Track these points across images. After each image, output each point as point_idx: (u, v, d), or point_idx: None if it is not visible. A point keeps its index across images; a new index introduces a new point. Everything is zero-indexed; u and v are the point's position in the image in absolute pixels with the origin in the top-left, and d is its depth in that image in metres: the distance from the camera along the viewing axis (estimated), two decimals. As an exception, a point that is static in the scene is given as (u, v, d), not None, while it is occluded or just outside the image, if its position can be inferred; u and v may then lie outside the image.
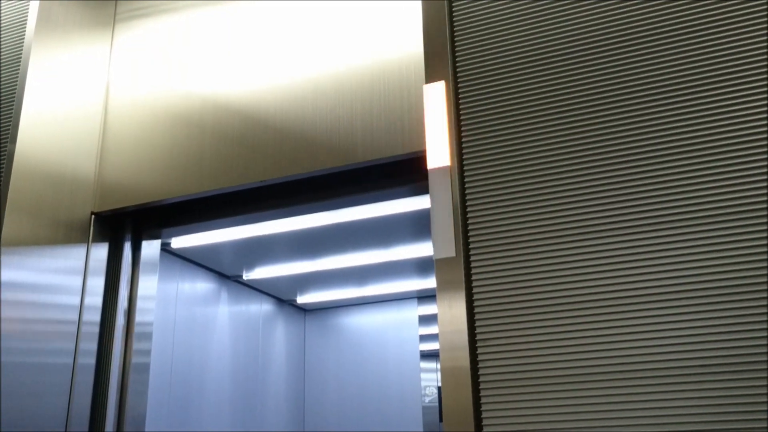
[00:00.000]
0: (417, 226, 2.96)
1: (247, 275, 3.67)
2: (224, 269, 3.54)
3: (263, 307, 4.02)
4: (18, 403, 1.88)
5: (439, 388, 4.63)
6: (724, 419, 1.25)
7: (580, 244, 1.43)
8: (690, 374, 1.29)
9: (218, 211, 2.24)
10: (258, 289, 3.96)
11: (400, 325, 4.30)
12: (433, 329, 4.50)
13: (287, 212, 2.17)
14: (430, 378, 4.51)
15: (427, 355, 4.35)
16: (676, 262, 1.35)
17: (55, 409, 2.00)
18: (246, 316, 3.80)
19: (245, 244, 3.11)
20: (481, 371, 1.42)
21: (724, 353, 1.28)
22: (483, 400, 1.40)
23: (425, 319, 4.32)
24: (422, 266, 3.64)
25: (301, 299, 4.27)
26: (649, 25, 1.51)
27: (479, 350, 1.43)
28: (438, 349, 1.49)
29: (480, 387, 1.41)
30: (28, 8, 2.24)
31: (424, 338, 4.31)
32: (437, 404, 4.61)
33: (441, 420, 4.75)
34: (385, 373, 4.23)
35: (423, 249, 3.31)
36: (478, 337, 1.44)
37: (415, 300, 4.30)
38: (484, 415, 1.39)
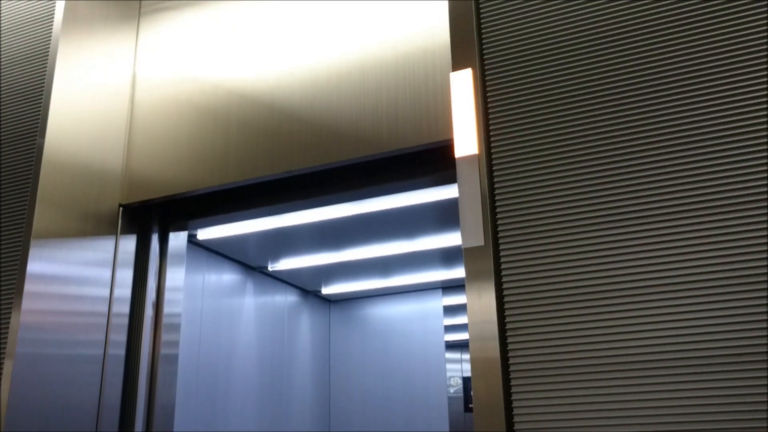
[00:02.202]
0: (441, 216, 2.95)
1: (273, 266, 3.69)
2: (250, 260, 3.56)
3: (288, 298, 4.04)
4: (51, 393, 1.90)
5: (464, 379, 4.63)
6: (755, 408, 1.22)
7: (610, 231, 1.41)
8: (727, 363, 1.26)
9: (244, 202, 2.25)
10: (283, 280, 3.98)
11: (424, 315, 4.29)
12: (457, 320, 4.49)
13: (313, 203, 2.17)
14: (455, 368, 4.50)
15: (451, 346, 4.34)
16: (710, 249, 1.33)
17: (87, 399, 2.02)
18: (271, 307, 3.82)
19: (270, 235, 3.12)
20: (511, 361, 1.40)
21: (756, 342, 1.25)
22: (513, 390, 1.38)
23: (450, 310, 4.31)
24: (447, 256, 3.63)
25: (326, 290, 4.28)
26: (670, 14, 1.48)
27: (509, 340, 1.42)
28: (463, 340, 1.48)
29: (510, 377, 1.39)
30: (54, 4, 2.26)
31: (448, 329, 4.30)
32: (462, 395, 4.61)
33: (466, 410, 4.75)
34: (410, 363, 4.23)
35: (447, 239, 3.30)
36: (508, 326, 1.42)
37: (440, 290, 4.29)
38: (514, 405, 1.38)
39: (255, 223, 2.87)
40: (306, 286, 4.20)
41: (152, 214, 2.35)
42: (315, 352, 4.27)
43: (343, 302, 4.55)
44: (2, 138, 2.18)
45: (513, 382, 1.39)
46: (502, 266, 1.47)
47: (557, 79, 1.55)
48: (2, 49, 2.33)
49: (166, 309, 2.31)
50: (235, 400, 3.30)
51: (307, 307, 4.25)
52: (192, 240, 3.04)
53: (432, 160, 1.92)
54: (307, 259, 3.61)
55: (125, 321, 2.21)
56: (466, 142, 1.55)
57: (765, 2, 1.41)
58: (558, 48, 1.57)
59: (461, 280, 4.04)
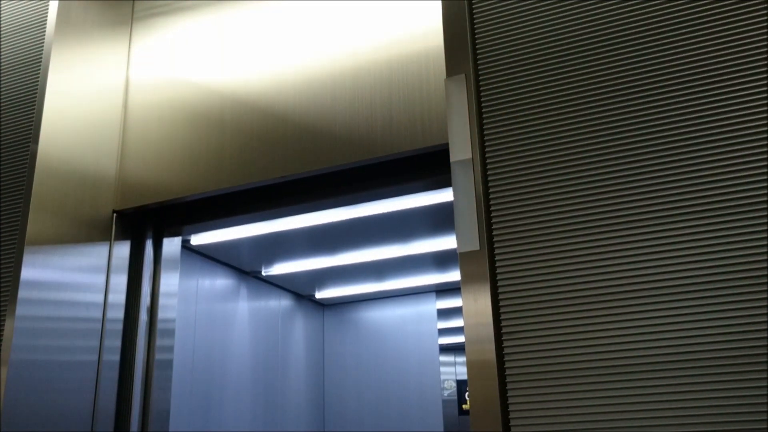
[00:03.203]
0: (435, 220, 2.96)
1: (266, 271, 3.68)
2: (243, 265, 3.56)
3: (282, 303, 4.03)
4: (45, 399, 1.90)
5: (458, 382, 4.63)
6: (752, 410, 1.24)
7: (605, 234, 1.42)
8: (726, 365, 1.27)
9: (238, 207, 2.25)
10: (277, 284, 3.98)
11: (418, 319, 4.30)
12: (451, 323, 4.50)
13: (307, 207, 2.17)
14: (449, 371, 4.51)
15: (445, 349, 4.35)
16: (706, 251, 1.34)
17: (81, 405, 2.02)
18: (265, 312, 3.81)
19: (264, 240, 3.12)
20: (507, 364, 1.41)
21: (754, 344, 1.26)
22: (510, 393, 1.39)
23: (444, 313, 4.32)
24: (440, 260, 3.64)
25: (320, 294, 4.28)
26: (665, 19, 1.49)
27: (505, 343, 1.42)
28: (457, 343, 1.49)
29: (507, 380, 1.40)
30: (47, 9, 2.25)
31: (442, 332, 4.30)
32: (456, 398, 4.61)
33: (460, 413, 4.75)
34: (405, 366, 4.23)
35: (441, 243, 3.31)
36: (504, 329, 1.43)
37: (434, 294, 4.30)
38: (511, 408, 1.38)
39: (249, 228, 2.87)
40: (300, 290, 4.20)
41: (146, 219, 2.35)
42: (309, 356, 4.27)
43: (336, 306, 4.55)
44: (-5, 144, 2.17)
45: (509, 385, 1.40)
46: (498, 270, 1.47)
47: (551, 84, 1.56)
48: (-5, 55, 2.32)
49: (161, 314, 2.31)
50: (229, 405, 3.29)
51: (300, 312, 4.25)
52: (186, 245, 3.04)
53: (426, 165, 1.93)
54: (300, 264, 3.61)
55: (119, 326, 2.20)
56: (460, 146, 1.56)
57: (764, 4, 1.42)
58: (552, 53, 1.58)
59: (455, 283, 4.05)
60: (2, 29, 2.35)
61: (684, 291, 1.33)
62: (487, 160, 1.55)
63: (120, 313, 2.21)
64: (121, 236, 2.26)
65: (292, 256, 3.50)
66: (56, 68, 2.15)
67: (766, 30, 1.40)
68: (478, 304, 1.45)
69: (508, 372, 1.41)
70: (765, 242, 1.30)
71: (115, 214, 2.25)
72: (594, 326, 1.38)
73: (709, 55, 1.44)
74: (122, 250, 2.26)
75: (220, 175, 2.12)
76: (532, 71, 1.58)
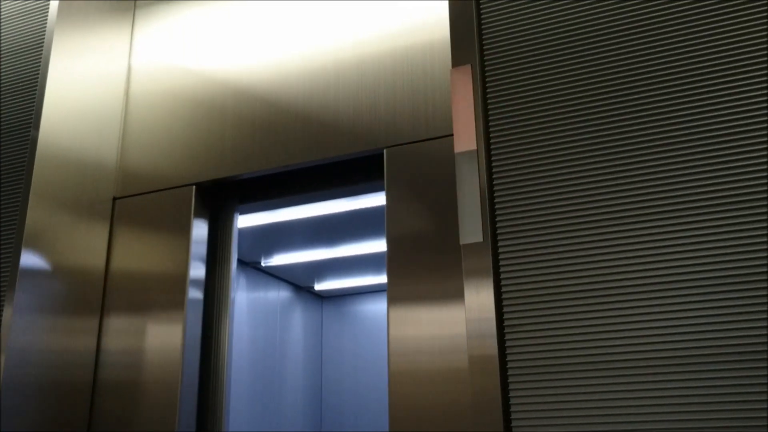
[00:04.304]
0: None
1: (266, 262, 3.67)
2: (243, 256, 3.54)
3: (281, 294, 4.02)
4: (42, 388, 1.89)
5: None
6: (754, 407, 1.23)
7: (609, 228, 1.41)
8: (721, 361, 1.27)
9: (239, 196, 2.24)
10: (276, 275, 3.96)
11: (417, 312, 4.28)
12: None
13: (309, 198, 2.16)
14: (447, 365, 4.50)
15: (444, 343, 4.34)
16: (712, 246, 1.33)
17: (77, 397, 2.01)
18: (264, 303, 3.80)
19: (264, 230, 3.10)
20: (509, 358, 1.40)
21: (760, 340, 1.25)
22: (511, 387, 1.38)
23: (443, 307, 4.30)
24: (441, 253, 3.62)
25: (319, 286, 4.27)
26: (669, 10, 1.48)
27: (507, 337, 1.41)
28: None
29: (508, 374, 1.39)
30: (49, -6, 2.23)
31: (441, 325, 4.28)
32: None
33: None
34: (403, 360, 4.22)
35: (442, 236, 3.28)
36: (506, 323, 1.42)
37: (433, 287, 4.28)
38: (512, 401, 1.38)
39: (249, 218, 2.86)
40: (299, 282, 4.18)
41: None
42: (307, 347, 4.26)
43: (336, 298, 4.54)
44: (-5, 129, 2.16)
45: (511, 380, 1.39)
46: (501, 263, 1.46)
47: (558, 75, 1.55)
48: (-5, 40, 2.30)
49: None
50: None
51: (299, 303, 4.24)
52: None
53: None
54: (300, 255, 3.59)
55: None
56: (465, 137, 1.54)
57: (762, 1, 1.41)
58: (558, 43, 1.57)
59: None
60: (3, 15, 2.33)
61: (689, 286, 1.32)
62: (492, 152, 1.54)
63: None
64: (120, 224, 2.24)
65: (292, 247, 3.48)
66: (58, 54, 2.13)
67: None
68: (480, 297, 1.44)
69: (509, 366, 1.40)
70: (756, 236, 1.29)
71: (115, 202, 2.24)
72: (597, 321, 1.37)
73: (715, 45, 1.43)
74: (123, 237, 2.24)
75: (221, 164, 2.10)
76: (539, 62, 1.57)
